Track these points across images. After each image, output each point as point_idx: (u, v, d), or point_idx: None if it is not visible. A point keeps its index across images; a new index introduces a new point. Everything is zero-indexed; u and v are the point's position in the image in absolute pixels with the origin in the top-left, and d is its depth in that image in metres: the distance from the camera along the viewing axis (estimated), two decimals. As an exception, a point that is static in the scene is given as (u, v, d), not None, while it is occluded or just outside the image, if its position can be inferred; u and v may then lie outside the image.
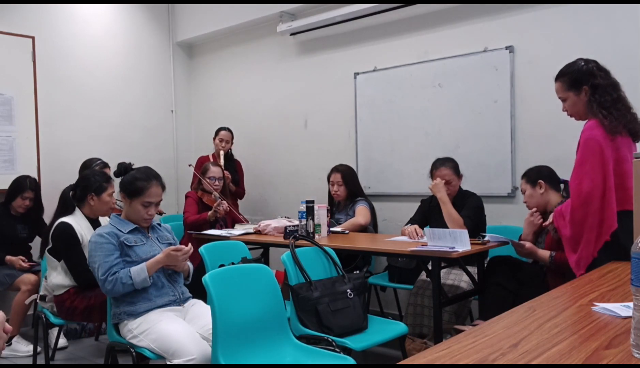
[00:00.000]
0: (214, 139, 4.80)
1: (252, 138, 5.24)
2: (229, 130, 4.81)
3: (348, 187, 4.02)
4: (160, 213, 4.64)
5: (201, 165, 4.52)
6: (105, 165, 4.09)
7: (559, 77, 2.46)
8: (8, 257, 3.87)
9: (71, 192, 3.16)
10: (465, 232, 2.87)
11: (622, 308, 1.45)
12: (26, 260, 3.90)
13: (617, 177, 2.29)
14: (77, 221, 3.05)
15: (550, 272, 2.91)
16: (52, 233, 3.02)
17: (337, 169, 4.06)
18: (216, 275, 2.25)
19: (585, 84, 2.37)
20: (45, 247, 3.04)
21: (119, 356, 2.84)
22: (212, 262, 3.05)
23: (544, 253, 2.89)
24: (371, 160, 4.43)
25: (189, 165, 4.65)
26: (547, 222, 2.89)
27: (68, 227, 2.99)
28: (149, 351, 2.37)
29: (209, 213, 4.00)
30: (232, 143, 4.84)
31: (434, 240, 2.92)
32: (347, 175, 4.03)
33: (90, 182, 3.13)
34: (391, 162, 4.31)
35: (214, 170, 4.24)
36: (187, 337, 2.30)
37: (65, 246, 2.97)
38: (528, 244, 2.95)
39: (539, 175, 2.99)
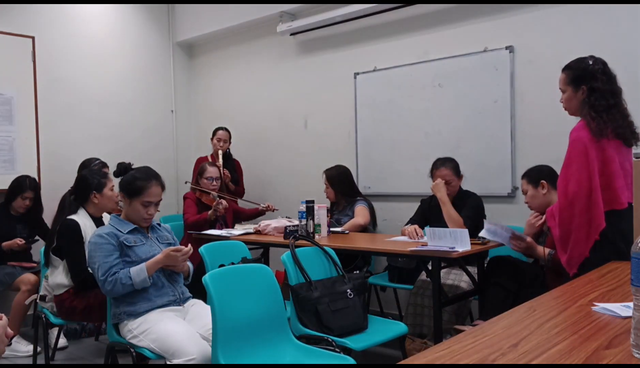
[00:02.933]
0: (212, 139, 4.81)
1: (252, 138, 5.24)
2: (226, 129, 4.82)
3: (335, 188, 4.06)
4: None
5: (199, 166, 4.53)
6: (104, 164, 4.09)
7: (565, 69, 2.48)
8: (5, 243, 3.87)
9: (72, 196, 3.16)
10: (465, 231, 2.87)
11: (622, 308, 1.45)
12: (23, 241, 3.91)
13: (604, 177, 2.31)
14: (82, 220, 3.06)
15: (549, 272, 2.90)
16: (59, 230, 3.02)
17: (324, 171, 4.13)
18: (216, 275, 2.25)
19: (585, 84, 2.39)
20: (53, 247, 3.04)
21: (119, 356, 2.84)
22: (212, 262, 3.04)
23: (540, 251, 2.89)
24: (371, 160, 4.43)
25: (186, 182, 4.59)
26: (540, 222, 2.90)
27: (74, 224, 3.00)
28: (149, 351, 2.37)
29: (209, 212, 4.00)
30: (229, 142, 4.85)
31: (434, 240, 2.92)
32: (332, 177, 4.08)
33: (88, 181, 3.14)
34: (391, 162, 4.31)
35: (211, 171, 4.24)
36: (187, 337, 2.30)
37: (69, 242, 2.97)
38: (529, 238, 2.94)
39: (541, 175, 2.99)
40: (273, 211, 4.36)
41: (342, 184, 4.07)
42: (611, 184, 2.31)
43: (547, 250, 2.87)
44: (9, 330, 1.37)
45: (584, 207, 2.30)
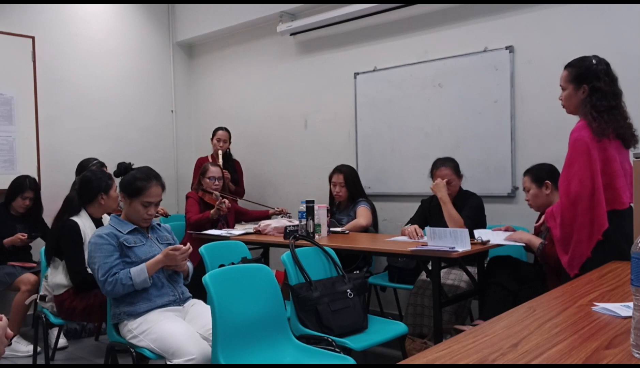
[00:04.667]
0: (212, 139, 4.81)
1: (252, 138, 5.25)
2: (226, 129, 4.82)
3: (349, 188, 4.01)
4: (166, 215, 4.65)
5: (200, 166, 4.52)
6: (102, 164, 4.10)
7: (568, 66, 2.47)
8: (6, 240, 3.87)
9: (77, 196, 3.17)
10: (465, 231, 2.86)
11: (622, 308, 1.45)
12: (25, 236, 3.91)
13: (605, 176, 2.30)
14: (82, 221, 3.07)
15: (549, 272, 2.90)
16: (58, 231, 3.03)
17: (340, 170, 4.05)
18: (216, 275, 2.25)
19: (587, 83, 2.38)
20: (52, 247, 3.05)
21: (119, 356, 2.84)
22: (212, 262, 3.05)
23: (536, 241, 2.88)
24: (371, 160, 4.43)
25: (195, 189, 4.36)
26: (539, 223, 2.90)
27: (74, 225, 3.01)
28: (149, 351, 2.37)
29: (212, 211, 4.00)
30: (229, 142, 4.85)
31: (434, 240, 2.92)
32: (349, 177, 4.02)
33: (97, 182, 3.15)
34: (391, 162, 4.31)
35: (213, 170, 4.25)
36: (187, 337, 2.30)
37: (69, 243, 2.97)
38: (524, 234, 2.94)
39: (545, 174, 2.98)
40: (286, 215, 4.34)
41: (354, 184, 4.04)
42: (613, 184, 2.31)
43: (539, 241, 2.86)
44: (9, 331, 1.37)
45: (586, 206, 2.29)
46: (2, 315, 1.39)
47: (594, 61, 2.40)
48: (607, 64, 2.41)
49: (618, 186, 2.31)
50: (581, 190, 2.29)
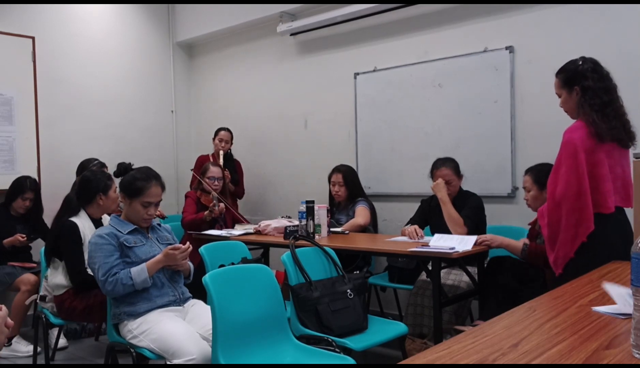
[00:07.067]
0: (214, 139, 4.81)
1: (252, 138, 5.25)
2: (228, 130, 4.82)
3: (349, 187, 4.01)
4: (163, 217, 4.65)
5: (201, 165, 4.53)
6: (102, 164, 4.10)
7: (558, 73, 2.50)
8: (6, 240, 3.87)
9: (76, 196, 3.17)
10: (473, 238, 2.89)
11: (622, 309, 1.45)
12: (24, 237, 3.91)
13: (592, 179, 2.31)
14: (81, 222, 3.07)
15: (549, 272, 2.90)
16: (58, 231, 3.03)
17: (339, 169, 4.06)
18: (216, 275, 2.25)
19: (577, 84, 2.39)
20: (51, 248, 3.05)
21: (119, 356, 2.84)
22: (212, 262, 3.05)
23: (517, 244, 2.89)
24: (371, 160, 4.43)
25: (191, 170, 4.63)
26: (533, 221, 2.92)
27: (73, 226, 3.01)
28: (149, 351, 2.37)
29: (205, 213, 4.00)
30: (231, 143, 4.85)
31: (438, 242, 2.95)
32: (348, 176, 4.03)
33: (96, 183, 3.15)
34: (391, 162, 4.31)
35: (214, 170, 4.25)
36: (187, 337, 2.30)
37: (69, 244, 2.98)
38: (496, 237, 2.96)
39: (546, 178, 2.96)
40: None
41: (354, 184, 4.05)
42: (599, 187, 2.31)
43: (521, 242, 2.88)
44: (9, 321, 1.37)
45: (571, 208, 2.30)
46: (2, 305, 1.39)
47: (579, 62, 2.43)
48: (594, 62, 2.42)
49: (604, 190, 2.31)
50: (566, 192, 2.31)
